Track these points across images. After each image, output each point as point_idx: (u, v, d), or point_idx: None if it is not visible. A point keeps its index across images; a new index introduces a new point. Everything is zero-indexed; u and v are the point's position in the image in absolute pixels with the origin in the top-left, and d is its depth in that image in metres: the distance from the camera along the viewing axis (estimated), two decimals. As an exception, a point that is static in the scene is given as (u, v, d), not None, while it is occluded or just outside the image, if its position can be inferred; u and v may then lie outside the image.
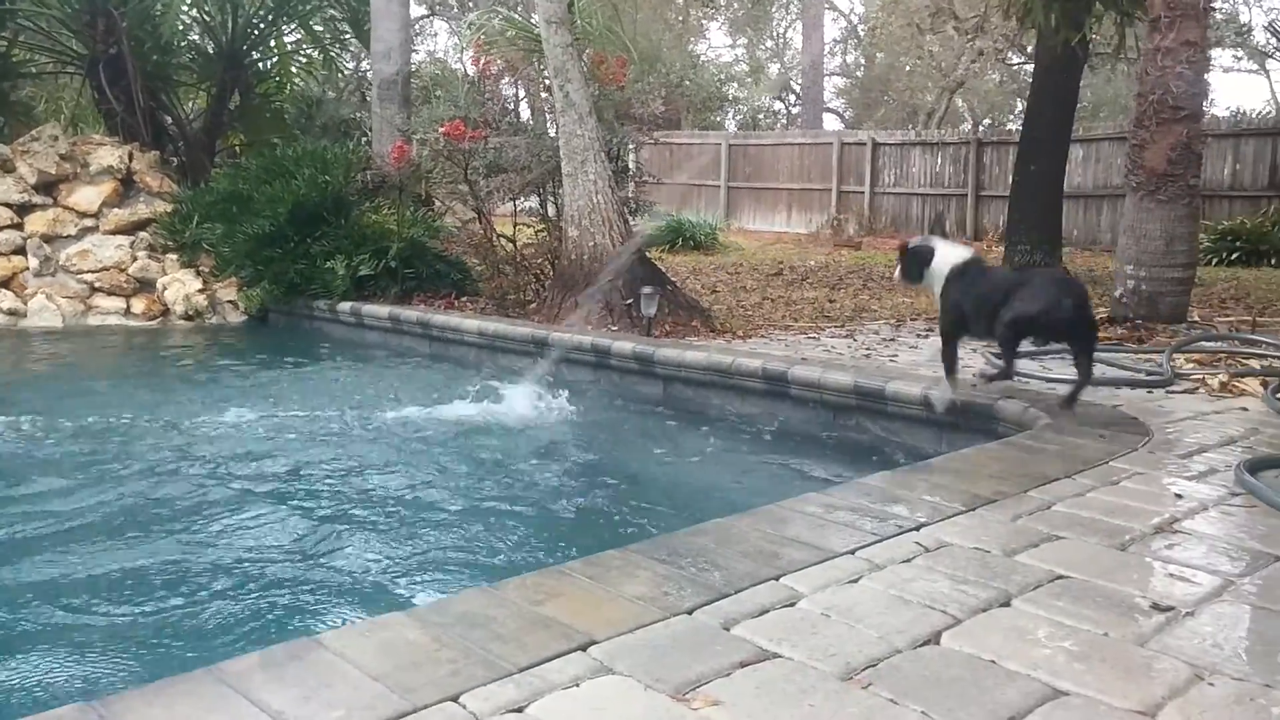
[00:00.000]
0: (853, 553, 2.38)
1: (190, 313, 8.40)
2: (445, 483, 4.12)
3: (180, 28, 10.61)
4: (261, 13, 11.46)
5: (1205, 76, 7.07)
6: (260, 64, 12.36)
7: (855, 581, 2.21)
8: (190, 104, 12.13)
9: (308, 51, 12.85)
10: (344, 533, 3.50)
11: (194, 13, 11.20)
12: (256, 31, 11.68)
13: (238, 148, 11.44)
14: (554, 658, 1.78)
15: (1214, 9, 7.42)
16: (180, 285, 8.48)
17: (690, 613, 2.01)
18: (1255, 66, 26.49)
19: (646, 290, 6.45)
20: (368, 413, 5.37)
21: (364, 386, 6.17)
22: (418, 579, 3.04)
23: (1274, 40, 13.18)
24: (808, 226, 19.31)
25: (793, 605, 2.07)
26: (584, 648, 1.82)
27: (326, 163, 8.52)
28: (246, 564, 3.15)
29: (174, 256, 8.81)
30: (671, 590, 2.11)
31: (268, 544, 3.36)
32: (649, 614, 1.99)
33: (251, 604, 2.85)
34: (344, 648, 1.80)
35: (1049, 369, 5.25)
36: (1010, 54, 20.90)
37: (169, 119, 11.05)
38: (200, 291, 8.48)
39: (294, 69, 12.94)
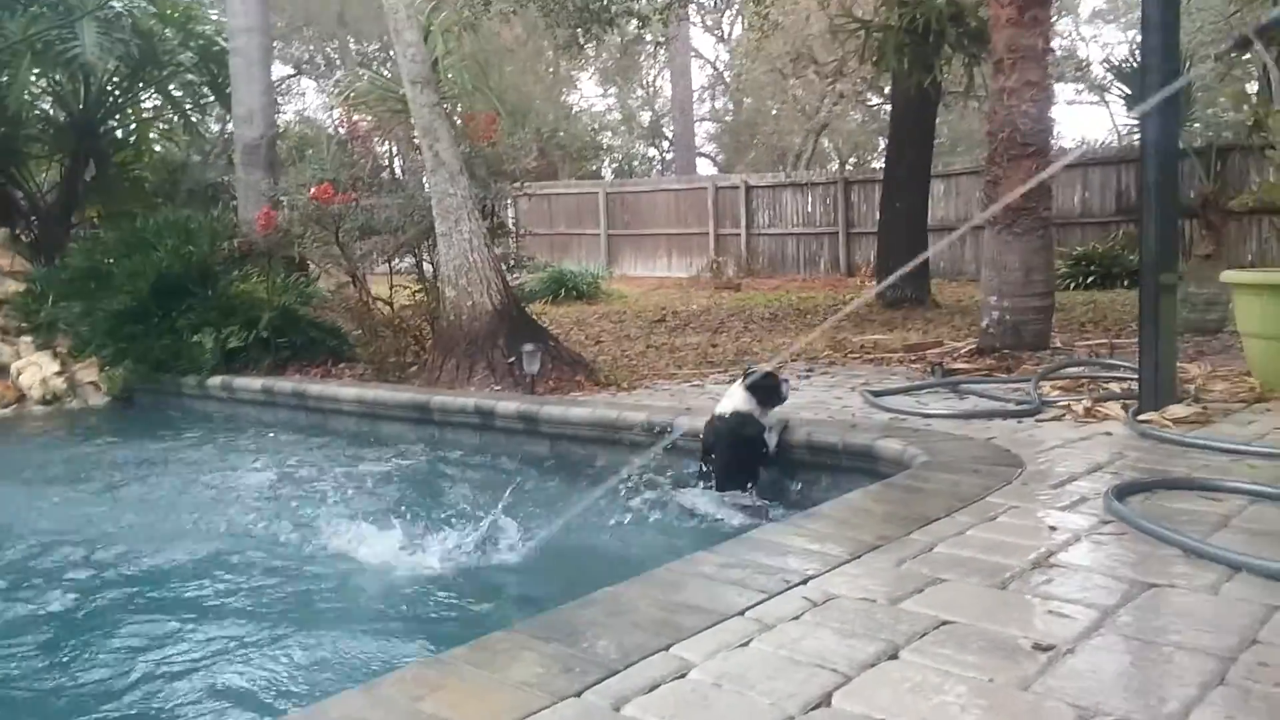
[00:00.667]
0: (742, 614, 2.36)
1: (48, 397, 7.96)
2: (303, 572, 3.94)
3: (28, 98, 10.18)
4: (116, 79, 11.08)
5: (1049, 113, 7.46)
6: (117, 132, 11.95)
7: (746, 645, 2.19)
8: (43, 176, 11.62)
9: (169, 117, 12.48)
10: (197, 641, 3.30)
11: (42, 82, 10.76)
12: (111, 99, 11.30)
13: (96, 220, 11.00)
14: (436, 760, 1.70)
15: (1052, 49, 7.84)
16: (36, 369, 8.05)
17: (579, 695, 1.95)
18: (1096, 98, 28.09)
19: (528, 348, 6.40)
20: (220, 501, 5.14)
21: (225, 465, 5.94)
22: (292, 682, 2.89)
23: (1111, 74, 14.04)
24: (688, 270, 19.57)
25: (684, 676, 2.03)
26: (468, 746, 1.75)
27: (190, 232, 8.24)
28: (95, 681, 2.93)
29: (28, 339, 8.38)
30: (559, 671, 2.05)
31: (109, 656, 3.14)
32: (536, 700, 1.92)
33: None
34: (209, 770, 1.68)
35: (924, 404, 5.39)
36: (869, 95, 21.68)
37: (19, 193, 10.57)
38: (58, 374, 8.06)
39: (153, 135, 12.54)
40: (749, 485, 4.46)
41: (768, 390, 4.65)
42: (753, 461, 4.56)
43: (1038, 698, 1.90)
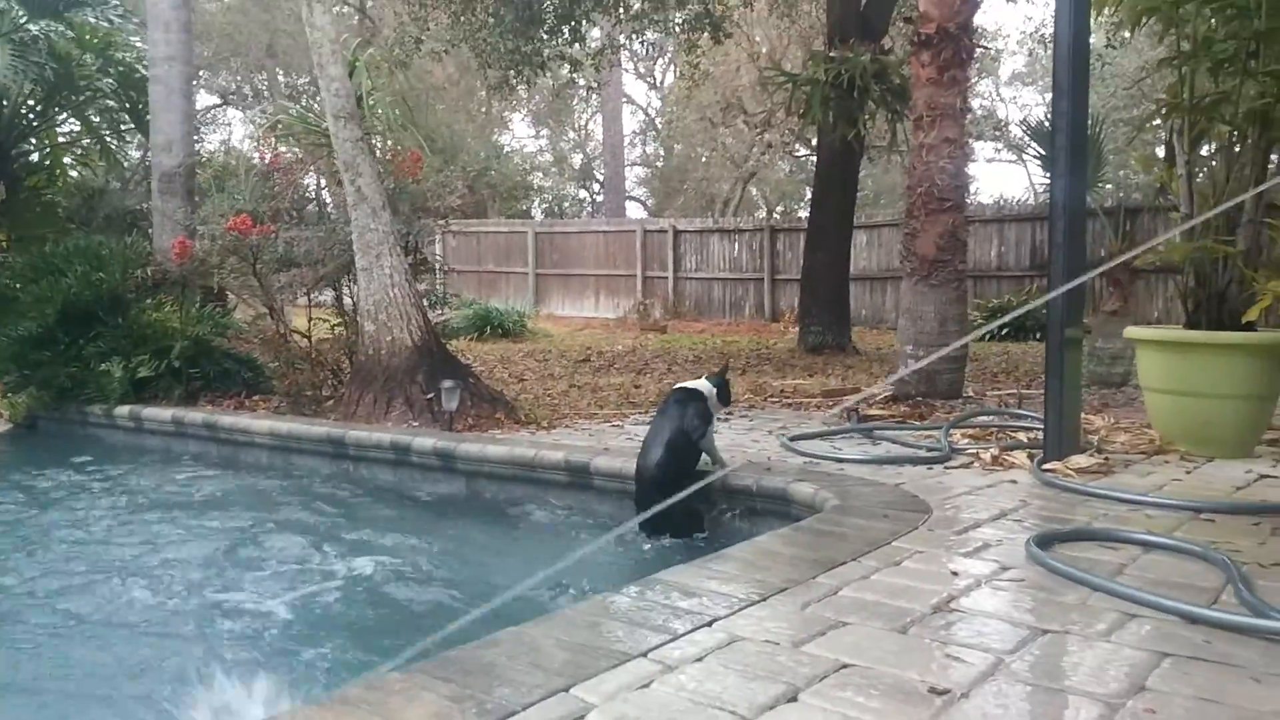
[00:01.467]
0: (645, 655, 2.35)
1: (-55, 424, 7.67)
2: (201, 599, 3.83)
3: (-64, 118, 9.88)
4: (31, 102, 10.81)
5: (966, 169, 7.69)
6: (31, 155, 11.63)
7: (647, 686, 2.17)
8: (-51, 198, 11.23)
9: (86, 142, 12.19)
10: (82, 669, 3.18)
11: (-49, 103, 10.45)
12: (25, 122, 11.00)
13: (4, 244, 10.65)
14: (320, 805, 1.65)
15: (970, 109, 8.10)
16: (-68, 394, 7.75)
17: (474, 737, 1.92)
18: (1014, 157, 29.06)
19: (447, 384, 6.34)
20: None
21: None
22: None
23: (1027, 135, 14.56)
24: (615, 311, 19.66)
25: (582, 718, 2.01)
26: (355, 789, 1.70)
27: (101, 259, 8.03)
28: None
29: (-74, 364, 8.05)
30: (456, 713, 2.01)
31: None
32: (430, 743, 1.88)
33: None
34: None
35: (839, 449, 5.46)
36: (797, 146, 22.16)
37: (-78, 215, 10.20)
38: (-43, 400, 7.77)
39: (69, 160, 12.23)
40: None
41: (724, 387, 4.88)
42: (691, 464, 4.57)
43: (931, 741, 1.92)
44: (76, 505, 5.56)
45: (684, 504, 4.47)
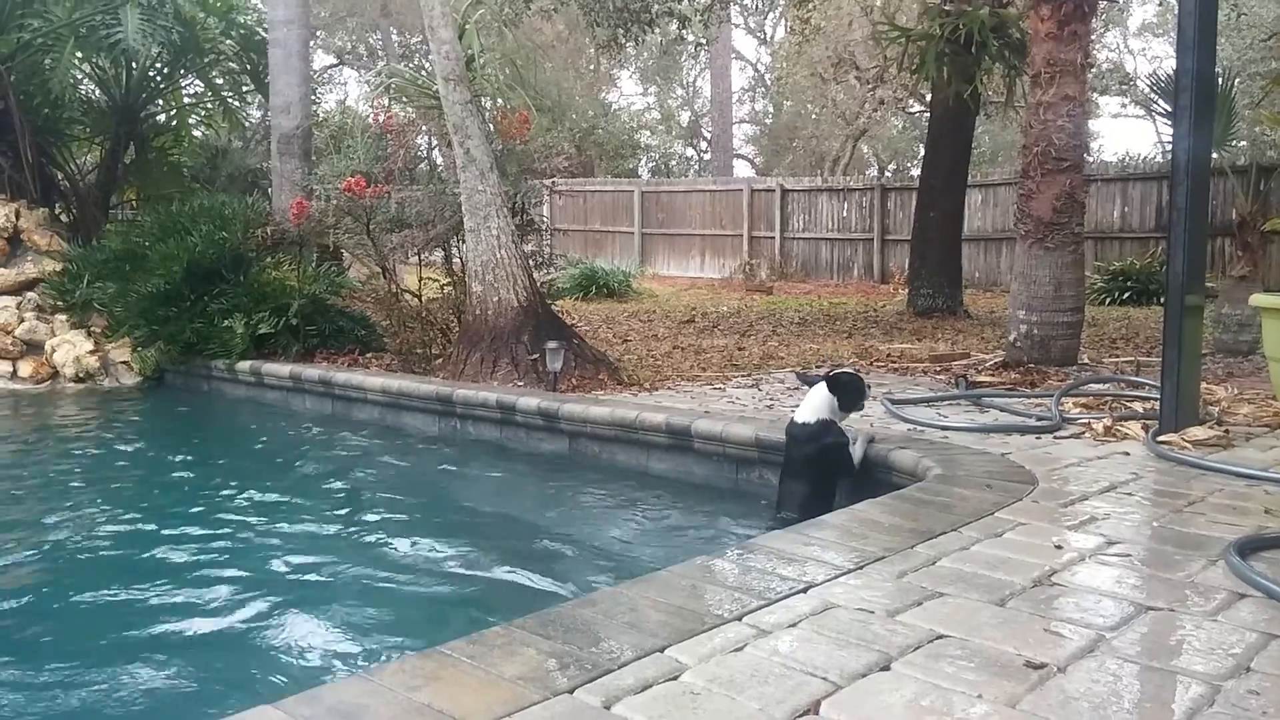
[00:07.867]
0: (739, 619, 2.38)
1: (81, 375, 8.12)
2: (316, 556, 4.00)
3: (72, 82, 10.37)
4: (158, 65, 11.26)
5: (1085, 128, 7.39)
6: (158, 116, 12.14)
7: (740, 650, 2.21)
8: (84, 158, 11.83)
9: (208, 104, 12.67)
10: (206, 620, 3.36)
11: (85, 66, 10.96)
12: (153, 84, 11.48)
13: (134, 203, 11.19)
14: (424, 750, 1.73)
15: (1091, 64, 7.77)
16: (70, 347, 8.21)
17: (572, 692, 1.98)
18: (1141, 112, 27.78)
19: (552, 345, 6.44)
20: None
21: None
22: (296, 667, 2.94)
23: (1154, 90, 13.91)
24: (721, 272, 19.57)
25: (676, 678, 2.06)
26: (457, 738, 1.78)
27: (224, 218, 8.38)
28: (93, 662, 3.00)
29: (64, 317, 8.55)
30: (554, 668, 2.08)
31: (114, 638, 3.20)
32: (529, 696, 1.95)
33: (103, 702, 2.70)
34: (203, 750, 1.73)
35: (944, 416, 5.37)
36: (911, 102, 21.56)
37: (60, 174, 10.76)
38: (92, 353, 8.21)
39: (193, 121, 12.74)
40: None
41: (852, 391, 4.37)
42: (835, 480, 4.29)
43: (1024, 715, 1.91)
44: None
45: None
